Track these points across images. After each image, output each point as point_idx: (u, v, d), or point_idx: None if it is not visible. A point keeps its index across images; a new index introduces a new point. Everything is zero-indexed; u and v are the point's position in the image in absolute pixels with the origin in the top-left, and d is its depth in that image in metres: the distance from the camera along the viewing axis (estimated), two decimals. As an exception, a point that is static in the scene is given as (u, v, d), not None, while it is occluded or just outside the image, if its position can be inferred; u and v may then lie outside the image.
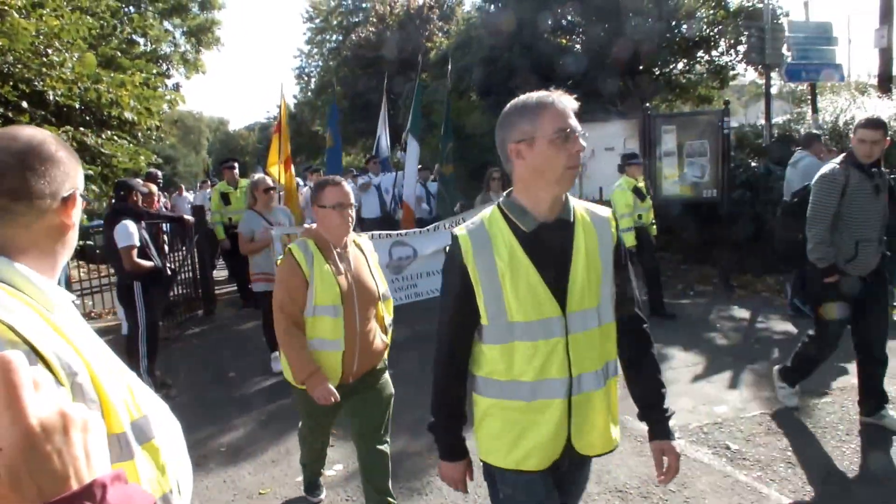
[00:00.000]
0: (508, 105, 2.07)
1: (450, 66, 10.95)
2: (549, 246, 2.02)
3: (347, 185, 3.41)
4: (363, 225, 10.15)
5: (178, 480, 1.21)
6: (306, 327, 3.32)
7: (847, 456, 4.26)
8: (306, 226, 3.87)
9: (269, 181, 7.03)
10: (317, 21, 35.36)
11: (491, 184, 8.46)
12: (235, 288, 10.35)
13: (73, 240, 1.29)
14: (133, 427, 1.11)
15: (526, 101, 2.01)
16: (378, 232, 7.01)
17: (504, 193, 2.15)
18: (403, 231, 7.46)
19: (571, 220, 2.06)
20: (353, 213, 3.36)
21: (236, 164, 10.27)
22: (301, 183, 11.70)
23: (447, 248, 2.16)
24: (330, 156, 10.58)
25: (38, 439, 0.73)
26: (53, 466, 0.74)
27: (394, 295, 4.28)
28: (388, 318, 3.60)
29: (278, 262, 5.63)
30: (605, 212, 2.18)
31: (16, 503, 0.72)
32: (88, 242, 11.63)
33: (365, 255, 3.52)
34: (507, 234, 2.02)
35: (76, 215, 1.27)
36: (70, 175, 1.25)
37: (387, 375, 3.59)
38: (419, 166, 10.71)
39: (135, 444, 1.10)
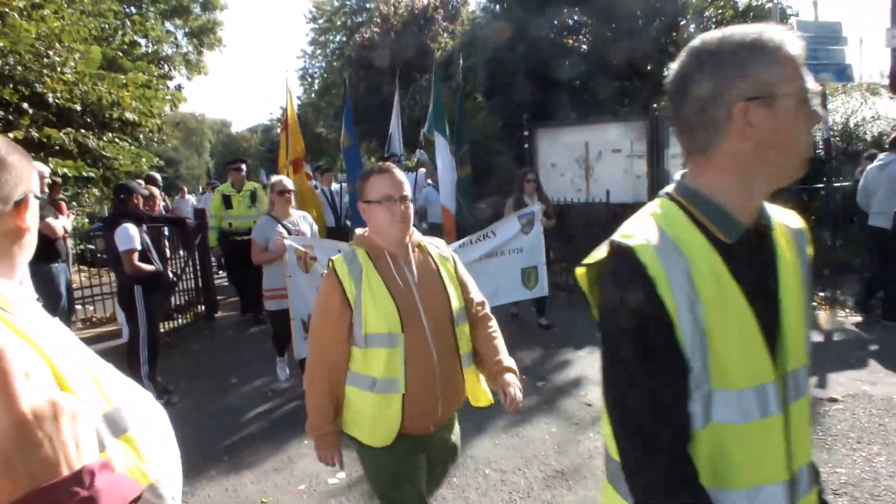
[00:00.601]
0: (717, 38, 1.28)
1: (461, 62, 10.67)
2: (751, 267, 1.31)
3: (400, 173, 2.59)
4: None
5: (163, 471, 1.22)
6: (354, 362, 2.52)
7: (858, 464, 4.17)
8: (352, 237, 2.82)
9: (288, 182, 6.28)
10: (320, 21, 35.27)
11: (525, 186, 7.73)
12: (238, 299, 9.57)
13: (30, 241, 1.29)
14: (105, 419, 1.12)
15: (758, 37, 1.24)
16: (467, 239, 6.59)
17: (678, 177, 1.41)
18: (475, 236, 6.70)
19: (772, 226, 1.38)
20: (409, 207, 2.55)
21: (244, 166, 9.18)
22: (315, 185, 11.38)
23: (585, 267, 1.37)
24: (348, 155, 10.01)
25: (31, 426, 0.79)
26: (45, 453, 0.80)
27: None
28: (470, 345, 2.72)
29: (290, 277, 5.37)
30: (795, 218, 1.49)
31: (8, 488, 0.78)
32: (89, 246, 11.54)
33: (435, 262, 2.65)
34: (703, 247, 1.28)
35: (31, 218, 1.27)
36: (23, 178, 1.25)
37: (456, 419, 2.86)
38: (422, 169, 10.57)
39: (107, 435, 1.10)
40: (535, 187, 7.77)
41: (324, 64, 36.29)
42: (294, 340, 5.46)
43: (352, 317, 2.45)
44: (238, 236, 8.33)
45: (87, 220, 12.25)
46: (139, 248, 5.68)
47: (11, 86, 9.81)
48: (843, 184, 9.31)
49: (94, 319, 9.32)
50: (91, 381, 1.14)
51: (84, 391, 1.10)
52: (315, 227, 6.57)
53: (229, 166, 9.14)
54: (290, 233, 5.85)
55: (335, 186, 10.33)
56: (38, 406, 0.80)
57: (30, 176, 1.28)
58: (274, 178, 6.81)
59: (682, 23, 14.92)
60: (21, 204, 1.24)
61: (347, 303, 2.45)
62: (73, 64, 10.67)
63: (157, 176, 10.96)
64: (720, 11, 15.15)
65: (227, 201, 8.80)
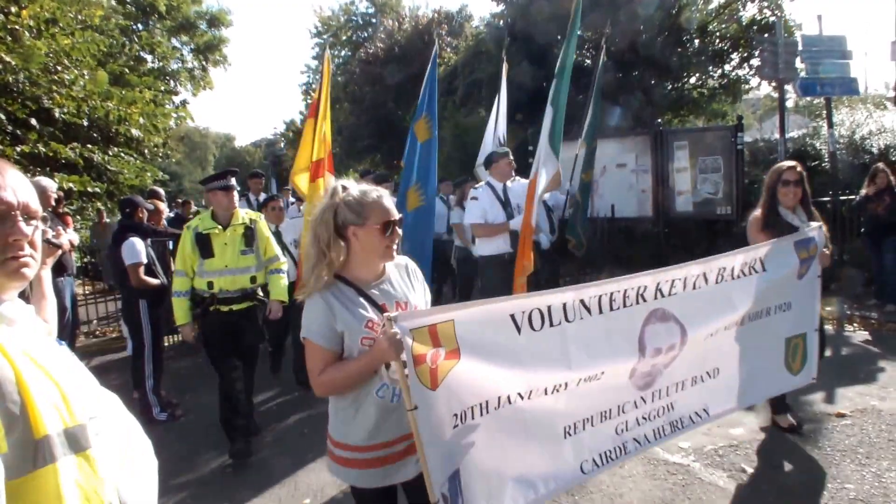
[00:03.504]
0: None
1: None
2: None
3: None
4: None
5: (124, 497, 1.23)
6: None
7: (867, 480, 4.10)
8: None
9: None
10: (325, 36, 35.45)
11: (782, 192, 6.00)
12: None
13: None
14: (65, 433, 1.14)
15: None
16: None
17: None
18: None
19: None
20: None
21: (233, 180, 5.38)
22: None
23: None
24: (423, 152, 6.91)
25: None
26: None
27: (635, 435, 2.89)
28: None
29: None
30: None
31: None
32: (92, 260, 11.57)
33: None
34: None
35: None
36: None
37: None
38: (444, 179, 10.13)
39: (61, 450, 1.12)
40: (800, 195, 4.61)
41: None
42: None
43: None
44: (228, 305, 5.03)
45: (88, 234, 12.30)
46: (145, 261, 5.77)
47: (20, 101, 9.87)
48: (850, 197, 9.28)
49: (96, 333, 9.33)
50: (60, 395, 1.17)
51: (48, 402, 1.14)
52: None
53: (210, 184, 5.17)
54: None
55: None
56: None
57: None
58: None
59: (687, 38, 14.95)
60: None
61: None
62: (81, 82, 10.73)
63: (160, 190, 10.98)
64: (724, 26, 15.18)
65: (202, 245, 5.00)
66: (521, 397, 2.43)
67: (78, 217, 11.64)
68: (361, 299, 2.33)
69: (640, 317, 2.82)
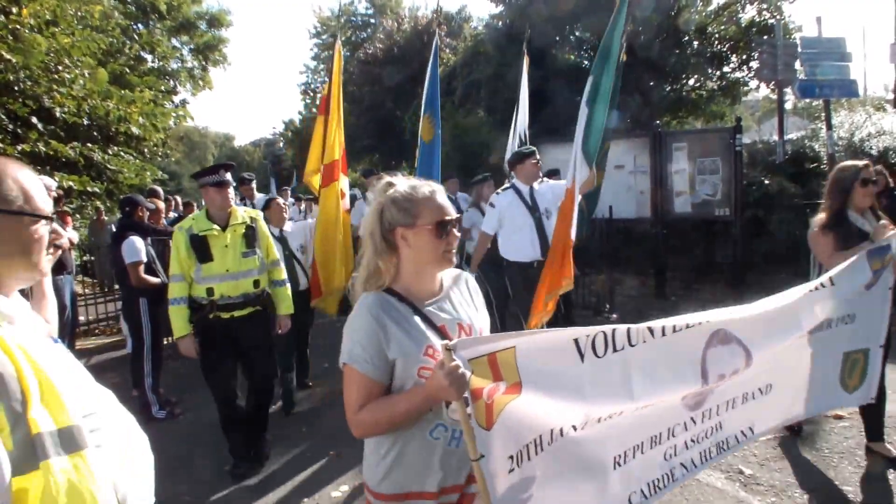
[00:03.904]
0: None
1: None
2: None
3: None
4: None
5: (122, 496, 1.24)
6: None
7: (865, 482, 4.10)
8: None
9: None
10: (324, 37, 35.47)
11: (861, 195, 5.61)
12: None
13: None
14: (59, 433, 1.14)
15: None
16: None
17: None
18: None
19: None
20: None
21: (227, 176, 4.78)
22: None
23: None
24: (425, 152, 6.69)
25: None
26: None
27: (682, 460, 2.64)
28: None
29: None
30: None
31: None
32: (91, 258, 11.58)
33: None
34: None
35: None
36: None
37: None
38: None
39: (52, 449, 1.11)
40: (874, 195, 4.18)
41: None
42: None
43: None
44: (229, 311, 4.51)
45: (87, 232, 12.31)
46: (145, 260, 5.78)
47: (21, 100, 9.88)
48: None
49: (96, 331, 9.33)
50: (55, 395, 1.17)
51: (38, 403, 1.14)
52: (308, 238, 6.28)
53: (202, 179, 4.56)
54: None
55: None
56: None
57: None
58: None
59: (686, 39, 14.97)
60: None
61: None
62: (81, 81, 10.74)
63: (160, 189, 10.98)
64: (723, 28, 15.20)
65: (199, 248, 4.44)
66: (575, 429, 2.14)
67: (77, 216, 11.64)
68: (418, 319, 1.93)
69: (702, 340, 2.52)
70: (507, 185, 5.99)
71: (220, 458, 4.83)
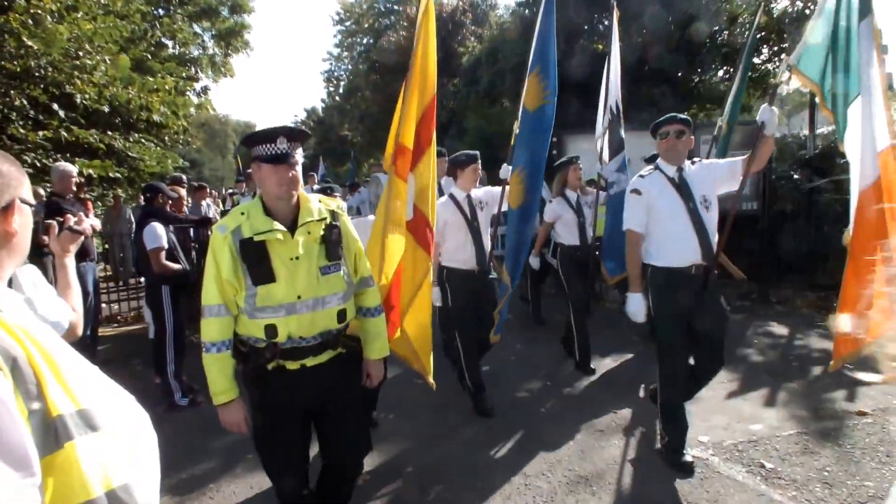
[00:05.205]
0: None
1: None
2: None
3: None
4: None
5: (133, 477, 1.23)
6: None
7: (888, 479, 4.06)
8: None
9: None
10: (347, 24, 35.40)
11: None
12: None
13: (19, 246, 1.43)
14: (78, 414, 1.14)
15: None
16: None
17: None
18: None
19: None
20: None
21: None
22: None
23: None
24: (528, 126, 5.12)
25: None
26: None
27: None
28: None
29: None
30: None
31: None
32: (105, 246, 11.60)
33: None
34: None
35: (18, 223, 1.40)
36: (11, 185, 1.39)
37: None
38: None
39: (75, 430, 1.12)
40: None
41: (350, 66, 36.40)
42: None
43: None
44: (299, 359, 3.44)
45: (102, 219, 12.35)
46: (166, 246, 5.80)
47: (42, 87, 9.89)
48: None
49: (118, 318, 9.35)
50: (61, 381, 1.16)
51: (56, 384, 1.14)
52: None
53: (255, 149, 3.14)
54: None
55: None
56: None
57: (19, 184, 1.42)
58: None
59: (717, 29, 14.69)
60: (8, 210, 1.38)
61: None
62: (103, 68, 10.73)
63: (182, 176, 10.96)
64: (754, 17, 14.87)
65: (255, 261, 3.06)
66: None
67: (98, 203, 11.66)
68: None
69: None
70: (649, 168, 4.52)
71: (242, 443, 4.76)
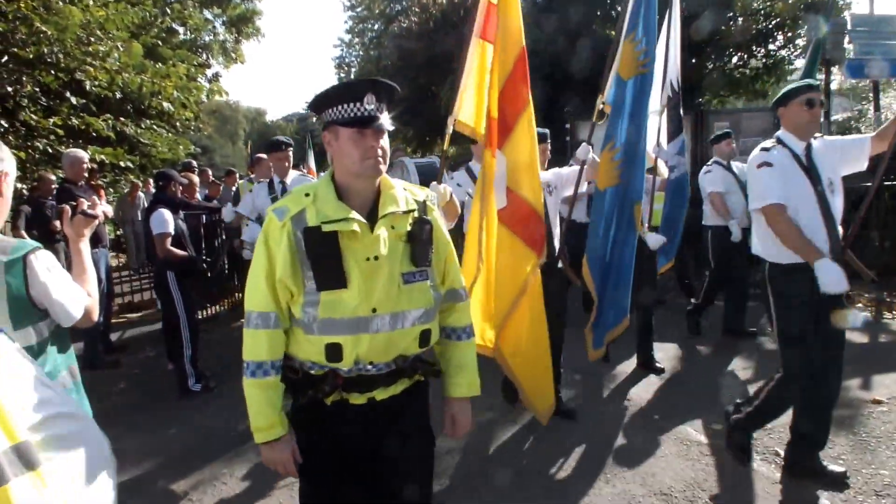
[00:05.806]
0: None
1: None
2: None
3: None
4: None
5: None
6: None
7: None
8: None
9: None
10: (358, 9, 35.18)
11: None
12: None
13: (3, 210, 1.72)
14: (13, 450, 1.01)
15: None
16: None
17: None
18: None
19: None
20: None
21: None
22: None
23: None
24: (621, 95, 4.71)
25: None
26: None
27: None
28: None
29: None
30: None
31: None
32: (119, 232, 11.66)
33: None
34: None
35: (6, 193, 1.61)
36: (4, 160, 1.69)
37: None
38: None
39: (10, 470, 0.98)
40: None
41: (361, 53, 36.21)
42: None
43: None
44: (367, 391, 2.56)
45: (116, 206, 12.41)
46: (172, 232, 5.81)
47: (53, 73, 9.90)
48: (893, 182, 8.94)
49: (130, 304, 9.42)
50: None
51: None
52: None
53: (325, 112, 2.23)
54: None
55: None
56: None
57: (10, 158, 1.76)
58: None
59: (731, 15, 14.54)
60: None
61: None
62: (116, 55, 10.73)
63: (194, 162, 10.98)
64: (769, 4, 14.73)
65: (322, 257, 2.46)
66: None
67: (111, 190, 11.70)
68: None
69: None
70: (770, 141, 3.77)
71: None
